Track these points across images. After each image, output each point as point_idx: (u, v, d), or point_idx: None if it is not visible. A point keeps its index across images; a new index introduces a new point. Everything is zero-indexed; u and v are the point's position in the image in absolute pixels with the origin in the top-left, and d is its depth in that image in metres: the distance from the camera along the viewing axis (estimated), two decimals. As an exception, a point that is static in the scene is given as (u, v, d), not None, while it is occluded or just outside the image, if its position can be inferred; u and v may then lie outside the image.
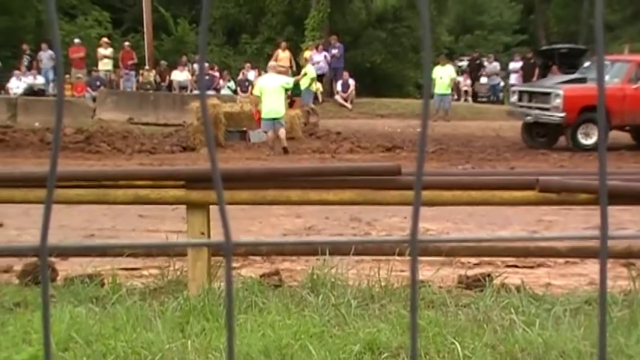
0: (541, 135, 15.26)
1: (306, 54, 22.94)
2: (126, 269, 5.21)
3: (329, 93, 22.64)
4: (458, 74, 22.85)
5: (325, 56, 22.63)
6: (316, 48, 22.87)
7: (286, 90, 15.04)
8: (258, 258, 5.62)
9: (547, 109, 14.80)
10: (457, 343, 3.53)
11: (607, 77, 14.70)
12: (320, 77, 22.50)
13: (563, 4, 33.31)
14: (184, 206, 4.74)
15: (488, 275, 4.87)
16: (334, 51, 22.90)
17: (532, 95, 15.62)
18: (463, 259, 5.47)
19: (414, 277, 0.67)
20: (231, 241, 0.66)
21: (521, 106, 15.59)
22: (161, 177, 4.85)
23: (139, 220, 6.89)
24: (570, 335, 3.61)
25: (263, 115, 14.24)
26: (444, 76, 19.85)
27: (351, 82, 22.04)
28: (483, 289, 4.55)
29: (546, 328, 3.75)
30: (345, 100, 21.77)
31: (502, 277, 4.89)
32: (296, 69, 22.99)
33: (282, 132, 14.44)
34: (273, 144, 14.39)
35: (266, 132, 14.54)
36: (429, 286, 4.61)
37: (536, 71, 20.91)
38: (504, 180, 4.69)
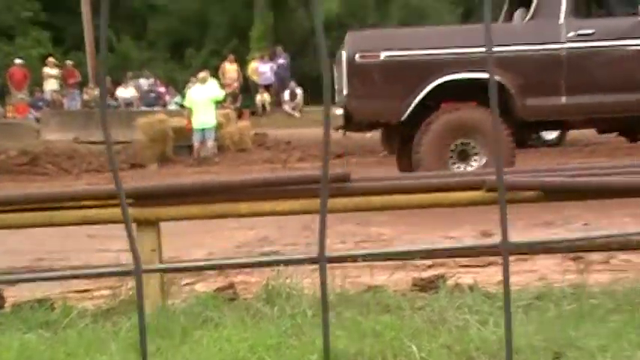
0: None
1: (252, 65, 22.96)
2: (77, 291, 5.12)
3: (277, 103, 22.66)
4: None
5: (271, 66, 22.66)
6: (261, 59, 22.89)
7: (217, 102, 15.55)
8: (212, 272, 5.58)
9: None
10: (414, 346, 3.55)
11: None
12: (267, 87, 22.53)
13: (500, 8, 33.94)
14: (134, 224, 4.68)
15: (442, 276, 4.92)
16: (280, 61, 22.95)
17: None
18: (417, 262, 5.51)
19: (324, 291, 0.68)
20: (140, 267, 0.67)
21: None
22: (109, 196, 4.78)
23: (88, 241, 6.78)
24: (523, 331, 3.67)
25: (194, 126, 14.87)
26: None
27: (299, 91, 22.11)
28: (437, 290, 4.60)
29: (500, 325, 3.80)
30: (293, 109, 21.83)
31: (455, 277, 4.94)
32: (243, 81, 22.98)
33: (209, 142, 14.97)
34: (199, 153, 14.94)
35: (200, 142, 15.05)
36: (384, 290, 4.63)
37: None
38: (453, 182, 4.75)
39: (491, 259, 5.66)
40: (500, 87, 8.50)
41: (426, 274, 5.10)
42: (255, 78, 22.59)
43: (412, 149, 8.98)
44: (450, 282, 4.80)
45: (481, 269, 5.55)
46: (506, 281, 0.67)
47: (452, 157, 8.86)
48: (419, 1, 36.37)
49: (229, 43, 27.17)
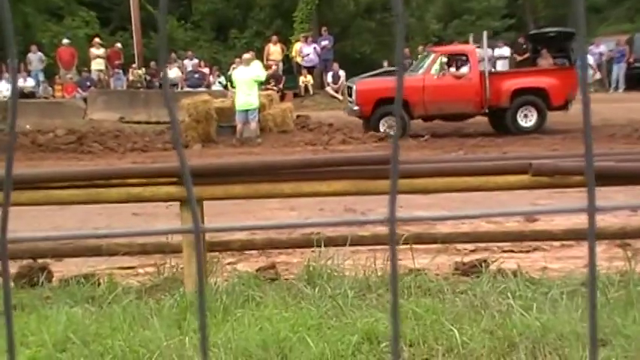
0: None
1: (296, 46, 22.92)
2: (122, 268, 5.20)
3: (320, 85, 22.61)
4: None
5: (315, 48, 22.58)
6: (305, 40, 22.82)
7: (260, 83, 15.56)
8: (254, 252, 5.61)
9: (352, 103, 15.54)
10: (455, 330, 3.53)
11: (420, 69, 15.21)
12: (310, 69, 22.48)
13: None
14: (178, 203, 4.72)
15: (485, 261, 4.87)
16: (324, 42, 22.86)
17: (349, 89, 16.26)
18: (459, 246, 5.47)
19: (393, 255, 0.67)
20: (199, 227, 0.68)
21: (349, 101, 16.14)
22: (153, 174, 4.83)
23: (133, 219, 6.87)
24: (568, 318, 3.62)
25: (237, 107, 14.90)
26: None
27: (342, 73, 22.00)
28: (480, 275, 4.56)
29: (543, 311, 3.75)
30: (336, 92, 21.74)
31: (498, 262, 4.89)
32: (286, 62, 22.96)
33: (253, 124, 14.96)
34: (241, 134, 14.94)
35: (243, 123, 15.13)
36: (426, 273, 4.61)
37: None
38: (498, 165, 4.69)
39: (536, 244, 5.59)
40: None
41: (468, 259, 5.06)
42: (298, 59, 22.55)
43: None
44: (493, 267, 4.75)
45: (524, 255, 5.48)
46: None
47: None
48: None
49: (273, 24, 27.15)
